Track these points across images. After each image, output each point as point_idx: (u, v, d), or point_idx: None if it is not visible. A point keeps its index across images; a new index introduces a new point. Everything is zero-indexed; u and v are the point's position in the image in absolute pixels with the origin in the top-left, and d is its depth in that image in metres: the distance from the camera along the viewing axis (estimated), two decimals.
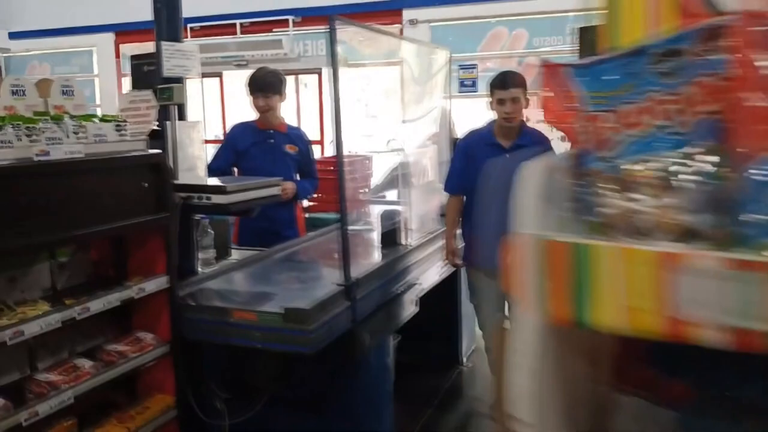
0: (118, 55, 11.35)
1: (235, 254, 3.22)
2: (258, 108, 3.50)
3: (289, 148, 3.66)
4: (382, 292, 2.77)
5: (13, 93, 1.95)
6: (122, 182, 2.11)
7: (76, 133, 1.96)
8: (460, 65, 9.55)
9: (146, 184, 2.19)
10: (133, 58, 2.86)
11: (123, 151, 2.14)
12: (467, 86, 9.56)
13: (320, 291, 2.47)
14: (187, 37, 10.82)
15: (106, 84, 11.29)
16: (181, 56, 2.56)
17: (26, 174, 1.80)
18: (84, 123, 2.02)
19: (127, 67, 11.27)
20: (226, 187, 2.39)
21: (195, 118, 2.89)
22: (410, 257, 3.19)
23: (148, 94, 2.67)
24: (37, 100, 2.03)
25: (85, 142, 1.99)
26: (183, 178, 2.52)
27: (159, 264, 2.34)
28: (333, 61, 2.44)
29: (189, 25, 10.55)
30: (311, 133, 10.39)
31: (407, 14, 9.45)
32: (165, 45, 2.49)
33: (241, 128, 3.68)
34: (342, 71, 2.45)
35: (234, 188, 2.43)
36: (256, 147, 3.54)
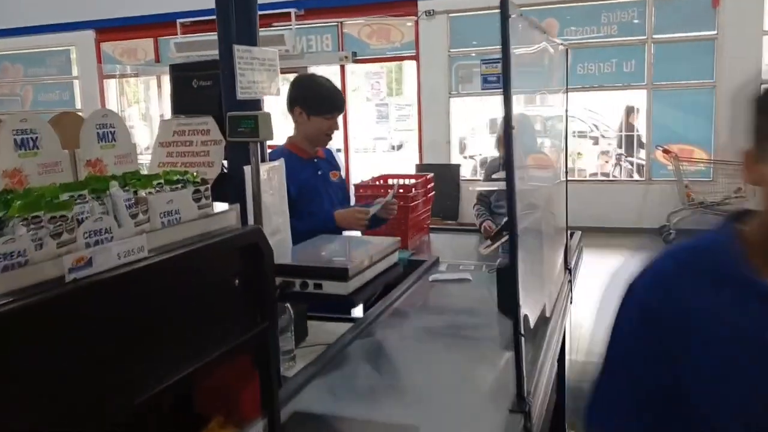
0: (99, 55, 10.32)
1: (310, 331, 2.36)
2: (330, 133, 2.74)
3: (333, 176, 2.93)
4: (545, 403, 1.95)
5: (19, 145, 1.08)
6: (204, 286, 1.26)
7: (134, 215, 1.09)
8: (482, 60, 8.69)
9: (237, 281, 1.34)
10: (175, 68, 1.98)
11: (206, 234, 1.27)
12: (491, 82, 8.71)
13: (484, 420, 1.64)
14: (176, 34, 9.85)
15: (87, 87, 10.25)
16: (259, 67, 1.70)
17: (53, 312, 0.95)
18: (142, 192, 1.16)
19: (114, 68, 10.32)
20: (348, 270, 1.54)
21: None
22: (548, 333, 2.34)
23: (206, 122, 1.81)
24: (57, 153, 1.17)
25: (147, 230, 1.13)
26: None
27: (249, 396, 1.49)
28: (505, 60, 1.59)
29: (178, 21, 9.60)
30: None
31: (423, 5, 8.59)
32: (239, 51, 1.62)
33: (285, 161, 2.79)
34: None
35: (357, 267, 1.58)
36: (308, 187, 2.73)
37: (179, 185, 1.24)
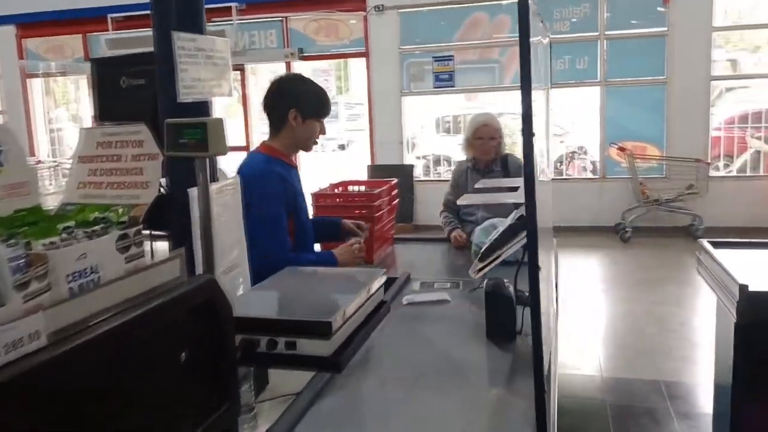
0: (21, 52, 9.54)
1: (272, 376, 1.98)
2: (319, 137, 2.57)
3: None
4: None
5: None
6: (139, 371, 0.88)
7: (24, 284, 0.72)
8: (434, 57, 8.47)
9: (184, 354, 0.97)
10: (99, 63, 1.58)
11: (139, 296, 0.90)
12: (443, 80, 8.49)
13: None
14: (107, 30, 9.20)
15: (9, 86, 9.46)
16: (205, 60, 1.33)
17: None
18: (38, 245, 0.78)
19: (37, 65, 9.54)
20: (331, 324, 1.19)
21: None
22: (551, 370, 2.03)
23: (139, 131, 1.43)
24: None
25: (47, 303, 0.75)
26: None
27: None
28: (524, 51, 1.26)
29: (109, 15, 8.96)
30: (236, 139, 9.06)
31: (372, 0, 8.26)
32: (180, 40, 1.25)
33: (279, 170, 2.47)
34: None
35: (341, 318, 1.23)
36: (300, 201, 2.57)
37: (98, 228, 0.87)
